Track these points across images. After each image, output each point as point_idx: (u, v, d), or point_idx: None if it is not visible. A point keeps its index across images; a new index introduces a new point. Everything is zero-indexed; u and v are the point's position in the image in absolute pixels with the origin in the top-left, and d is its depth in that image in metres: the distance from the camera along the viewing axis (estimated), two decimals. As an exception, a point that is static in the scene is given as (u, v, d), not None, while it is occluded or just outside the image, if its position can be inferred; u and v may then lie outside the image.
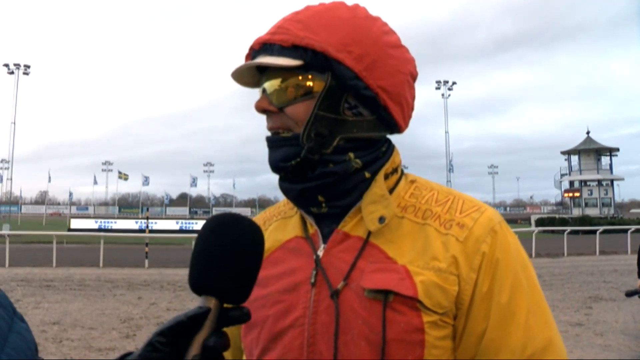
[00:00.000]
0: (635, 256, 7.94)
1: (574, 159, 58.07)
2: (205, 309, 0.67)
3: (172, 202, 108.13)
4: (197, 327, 0.66)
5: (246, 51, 0.96)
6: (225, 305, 0.69)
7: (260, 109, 0.94)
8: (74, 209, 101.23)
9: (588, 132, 56.69)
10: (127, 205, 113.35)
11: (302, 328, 0.87)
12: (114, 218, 45.53)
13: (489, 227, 0.88)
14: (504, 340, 0.83)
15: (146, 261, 16.90)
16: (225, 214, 0.75)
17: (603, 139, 59.34)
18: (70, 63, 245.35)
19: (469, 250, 0.86)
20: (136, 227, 32.67)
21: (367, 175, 0.92)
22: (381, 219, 0.89)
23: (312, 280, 0.89)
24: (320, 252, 0.92)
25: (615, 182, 57.35)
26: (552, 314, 0.89)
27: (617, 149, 56.93)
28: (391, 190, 0.94)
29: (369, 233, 0.90)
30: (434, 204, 0.93)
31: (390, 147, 0.98)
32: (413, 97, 0.97)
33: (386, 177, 0.94)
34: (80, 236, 23.86)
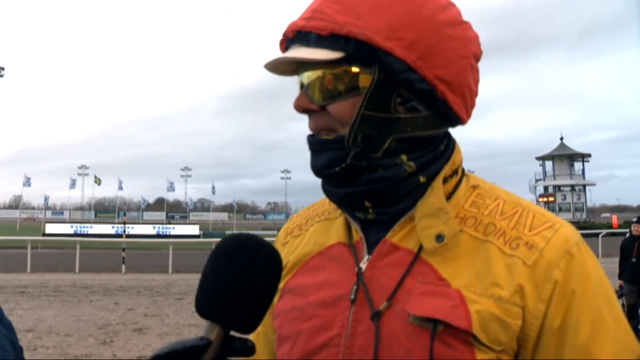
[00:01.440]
0: (608, 259, 8.19)
1: (548, 164, 59.14)
2: (205, 342, 0.64)
3: (149, 207, 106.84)
4: (194, 357, 0.64)
5: (280, 37, 0.84)
6: (232, 332, 0.67)
7: (300, 108, 0.82)
8: (49, 214, 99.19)
9: (562, 138, 57.96)
10: (103, 210, 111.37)
11: (337, 349, 0.77)
12: (90, 223, 44.92)
13: (564, 249, 0.74)
14: None
15: (123, 266, 16.70)
16: (242, 235, 0.71)
17: (574, 144, 60.60)
18: (46, 66, 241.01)
19: (539, 277, 0.73)
20: (113, 231, 32.28)
21: (422, 179, 0.79)
22: (439, 237, 0.76)
23: (352, 296, 0.78)
24: (364, 265, 0.81)
25: (587, 187, 58.57)
26: None
27: (590, 155, 58.22)
28: (449, 196, 0.81)
29: (421, 246, 0.78)
30: (498, 216, 0.79)
31: (450, 144, 0.85)
32: (477, 82, 0.84)
33: (444, 180, 0.81)
34: (55, 241, 23.51)
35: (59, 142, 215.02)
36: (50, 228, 33.00)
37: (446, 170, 0.82)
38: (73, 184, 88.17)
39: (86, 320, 8.82)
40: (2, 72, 59.26)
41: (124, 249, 17.48)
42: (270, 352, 0.94)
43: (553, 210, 56.65)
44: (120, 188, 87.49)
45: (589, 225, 43.71)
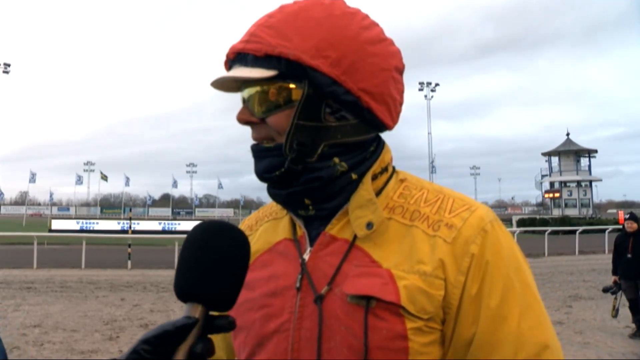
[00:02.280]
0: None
1: (554, 160, 58.88)
2: (194, 320, 0.67)
3: (155, 203, 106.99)
4: (183, 336, 0.66)
5: (224, 58, 0.94)
6: (210, 312, 0.70)
7: (242, 121, 0.91)
8: (55, 210, 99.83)
9: (568, 134, 57.60)
10: (109, 206, 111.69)
11: (287, 333, 0.86)
12: (95, 219, 45.06)
13: (480, 227, 0.84)
14: (494, 347, 0.80)
15: (129, 262, 16.77)
16: (213, 221, 0.75)
17: (580, 141, 60.08)
18: (53, 62, 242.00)
19: (458, 252, 0.82)
20: (118, 227, 32.45)
21: (354, 176, 0.89)
22: (369, 225, 0.86)
23: (298, 284, 0.87)
24: (306, 256, 0.90)
25: (593, 183, 58.27)
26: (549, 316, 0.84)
27: (596, 151, 57.90)
28: (380, 191, 0.91)
29: (355, 236, 0.88)
30: (422, 204, 0.89)
31: (379, 146, 0.94)
32: (401, 92, 0.93)
33: (375, 177, 0.91)
34: (61, 237, 23.52)
35: (65, 138, 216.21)
36: (56, 224, 33.11)
37: (375, 167, 0.91)
38: (79, 180, 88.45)
39: (92, 316, 8.87)
40: (8, 69, 59.51)
41: (129, 245, 17.53)
42: (227, 345, 1.02)
43: (559, 206, 56.47)
44: (127, 184, 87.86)
45: (596, 221, 43.41)
